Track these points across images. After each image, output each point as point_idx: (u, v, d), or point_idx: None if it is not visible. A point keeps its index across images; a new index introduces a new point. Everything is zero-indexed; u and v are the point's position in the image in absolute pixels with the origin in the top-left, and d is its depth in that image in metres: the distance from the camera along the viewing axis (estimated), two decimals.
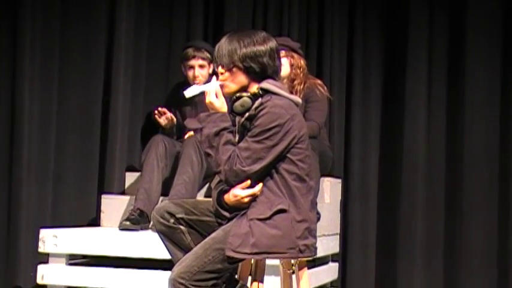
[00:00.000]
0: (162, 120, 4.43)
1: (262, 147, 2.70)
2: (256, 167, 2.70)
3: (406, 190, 4.79)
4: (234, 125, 2.81)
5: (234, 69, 2.80)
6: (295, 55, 4.30)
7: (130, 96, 4.73)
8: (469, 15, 4.78)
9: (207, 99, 2.80)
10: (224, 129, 2.76)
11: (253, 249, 2.66)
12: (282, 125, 2.71)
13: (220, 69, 2.82)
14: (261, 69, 2.79)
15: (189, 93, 2.87)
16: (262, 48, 2.78)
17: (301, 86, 4.24)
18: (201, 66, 4.39)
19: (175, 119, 4.46)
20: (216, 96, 2.79)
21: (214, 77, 2.86)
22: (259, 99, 2.75)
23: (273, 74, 2.81)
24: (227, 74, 2.81)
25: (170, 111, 4.50)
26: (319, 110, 4.22)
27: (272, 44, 2.82)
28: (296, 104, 2.83)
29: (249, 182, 2.72)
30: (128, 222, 4.03)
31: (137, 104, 4.83)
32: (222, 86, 2.81)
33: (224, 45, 2.81)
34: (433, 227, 4.77)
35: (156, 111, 4.43)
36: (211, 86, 2.81)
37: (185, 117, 4.38)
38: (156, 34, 4.95)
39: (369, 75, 4.95)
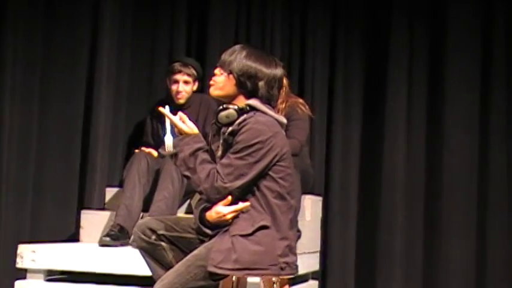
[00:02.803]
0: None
1: (244, 164, 2.70)
2: (238, 183, 2.71)
3: (385, 208, 4.81)
4: (217, 133, 2.81)
5: (230, 77, 2.82)
6: None
7: (112, 111, 4.71)
8: (450, 32, 4.83)
9: (176, 130, 2.80)
10: (199, 149, 2.76)
11: (236, 265, 2.65)
12: (264, 142, 2.72)
13: (218, 70, 2.84)
14: (252, 89, 2.80)
15: (167, 148, 2.80)
16: (264, 70, 2.79)
17: (283, 105, 4.25)
18: (186, 82, 4.42)
19: (155, 154, 4.41)
20: (183, 122, 2.79)
21: (167, 106, 2.88)
22: (244, 115, 2.76)
23: (263, 98, 2.81)
24: (223, 77, 2.83)
25: (153, 129, 4.50)
26: (300, 128, 4.23)
27: (276, 71, 2.82)
28: (281, 123, 2.85)
29: (230, 198, 2.72)
30: (107, 238, 4.01)
31: (119, 119, 4.81)
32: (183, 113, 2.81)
33: (233, 50, 2.84)
34: (412, 245, 4.79)
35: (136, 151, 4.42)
36: (173, 117, 2.81)
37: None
38: (138, 48, 4.94)
39: (350, 95, 4.97)
